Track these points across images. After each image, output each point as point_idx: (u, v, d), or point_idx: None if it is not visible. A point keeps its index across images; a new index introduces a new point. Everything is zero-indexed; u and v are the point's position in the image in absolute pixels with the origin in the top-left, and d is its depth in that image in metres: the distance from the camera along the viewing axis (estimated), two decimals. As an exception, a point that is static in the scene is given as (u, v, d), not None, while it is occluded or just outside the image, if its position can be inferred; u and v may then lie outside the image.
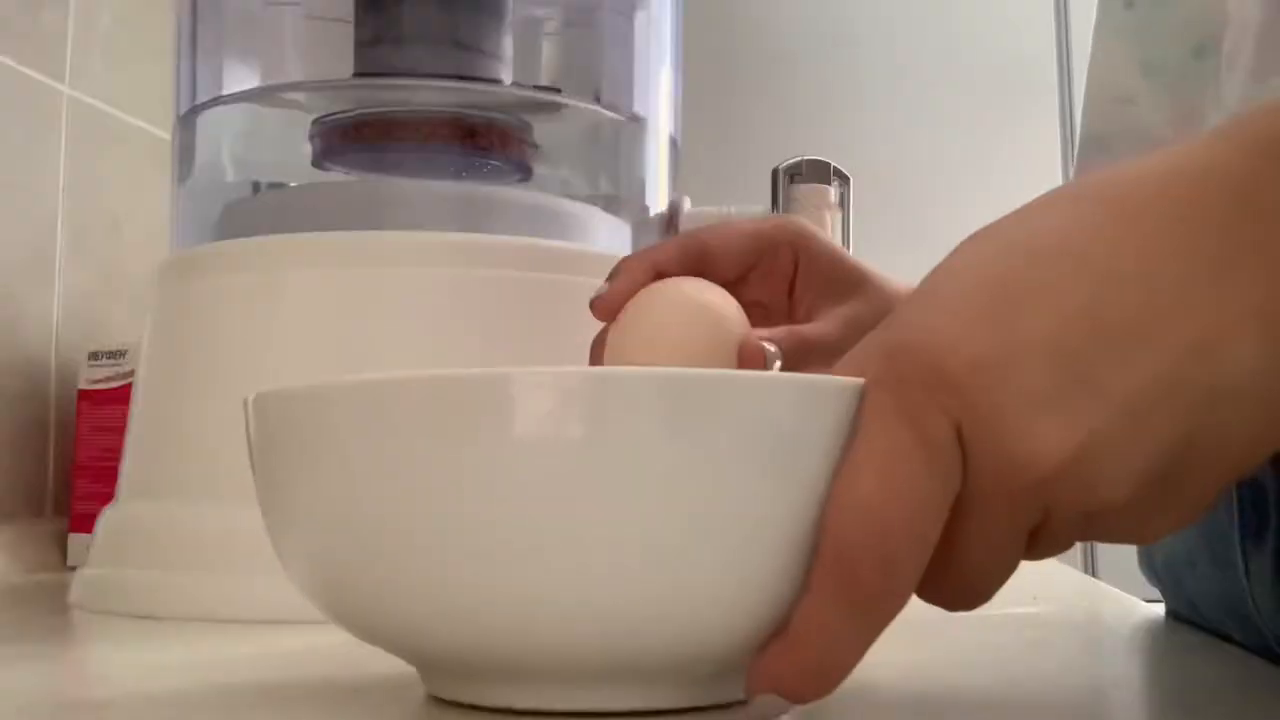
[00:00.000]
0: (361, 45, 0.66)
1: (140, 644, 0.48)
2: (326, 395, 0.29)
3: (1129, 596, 0.60)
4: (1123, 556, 0.52)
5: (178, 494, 0.58)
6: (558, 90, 0.69)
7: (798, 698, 0.28)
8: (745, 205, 0.72)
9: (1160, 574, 0.51)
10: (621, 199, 0.70)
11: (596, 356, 0.48)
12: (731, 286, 0.48)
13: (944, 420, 0.27)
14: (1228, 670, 0.41)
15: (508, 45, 0.67)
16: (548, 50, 0.73)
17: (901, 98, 2.01)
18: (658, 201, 0.71)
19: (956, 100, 1.99)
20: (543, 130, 0.68)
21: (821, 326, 0.50)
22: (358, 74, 0.66)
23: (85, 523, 0.78)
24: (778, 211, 0.74)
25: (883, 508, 0.27)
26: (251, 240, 0.60)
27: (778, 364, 0.46)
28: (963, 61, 2.00)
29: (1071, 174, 0.53)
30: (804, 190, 0.75)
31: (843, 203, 0.76)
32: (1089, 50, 0.50)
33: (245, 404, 0.32)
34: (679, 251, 0.49)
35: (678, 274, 0.48)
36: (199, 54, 0.69)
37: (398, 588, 0.29)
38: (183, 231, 0.69)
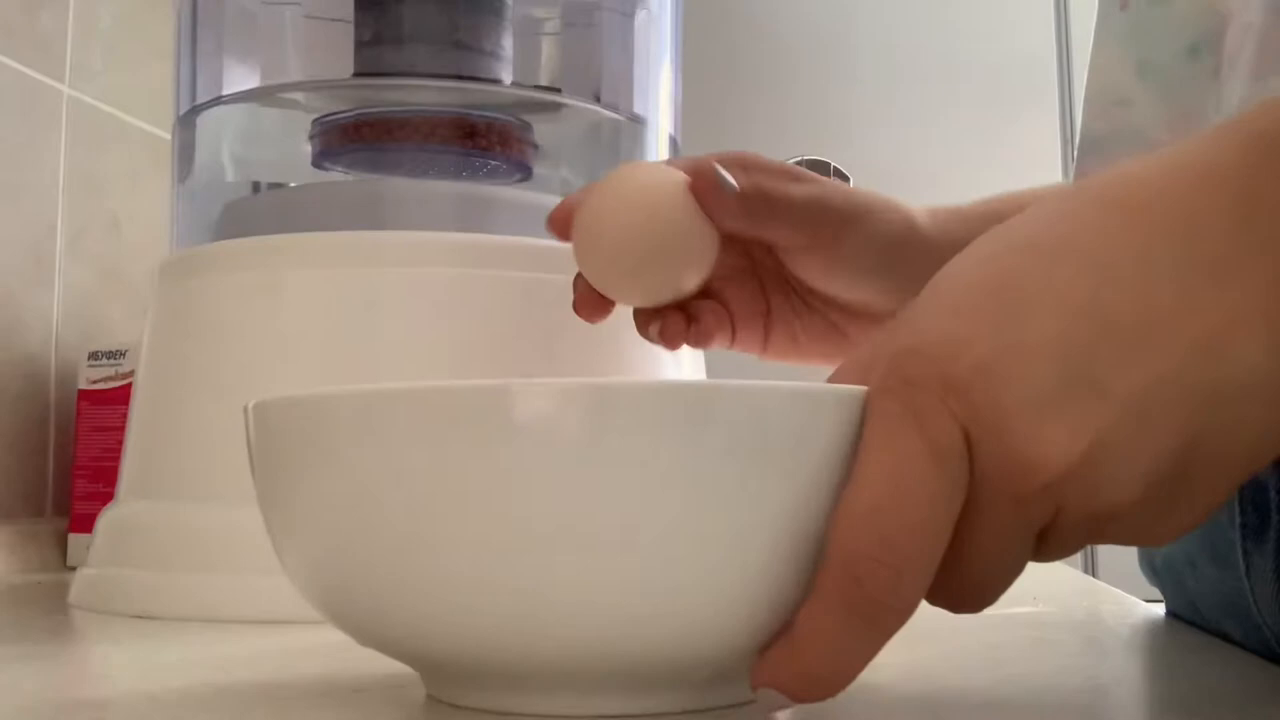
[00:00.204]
0: (361, 45, 0.66)
1: (140, 644, 0.48)
2: (327, 404, 0.29)
3: (1129, 596, 0.60)
4: (1123, 556, 0.51)
5: (178, 494, 0.58)
6: (558, 90, 0.69)
7: (799, 701, 0.28)
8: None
9: (1160, 574, 0.51)
10: (622, 199, 0.70)
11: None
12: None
13: (952, 425, 0.27)
14: (1228, 670, 0.41)
15: (508, 45, 0.67)
16: (548, 50, 0.72)
17: (901, 98, 2.00)
18: (658, 201, 0.71)
19: (956, 100, 1.98)
20: (543, 130, 0.68)
21: (784, 188, 0.50)
22: (357, 74, 0.66)
23: (85, 523, 0.78)
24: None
25: (891, 517, 0.26)
26: (251, 240, 0.60)
27: (733, 189, 0.47)
28: (963, 61, 2.00)
29: (1071, 176, 0.53)
30: (804, 190, 0.74)
31: (843, 202, 0.76)
32: (1089, 51, 0.50)
33: (245, 411, 0.32)
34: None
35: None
36: (199, 54, 0.69)
37: (398, 594, 0.29)
38: (183, 231, 0.69)
